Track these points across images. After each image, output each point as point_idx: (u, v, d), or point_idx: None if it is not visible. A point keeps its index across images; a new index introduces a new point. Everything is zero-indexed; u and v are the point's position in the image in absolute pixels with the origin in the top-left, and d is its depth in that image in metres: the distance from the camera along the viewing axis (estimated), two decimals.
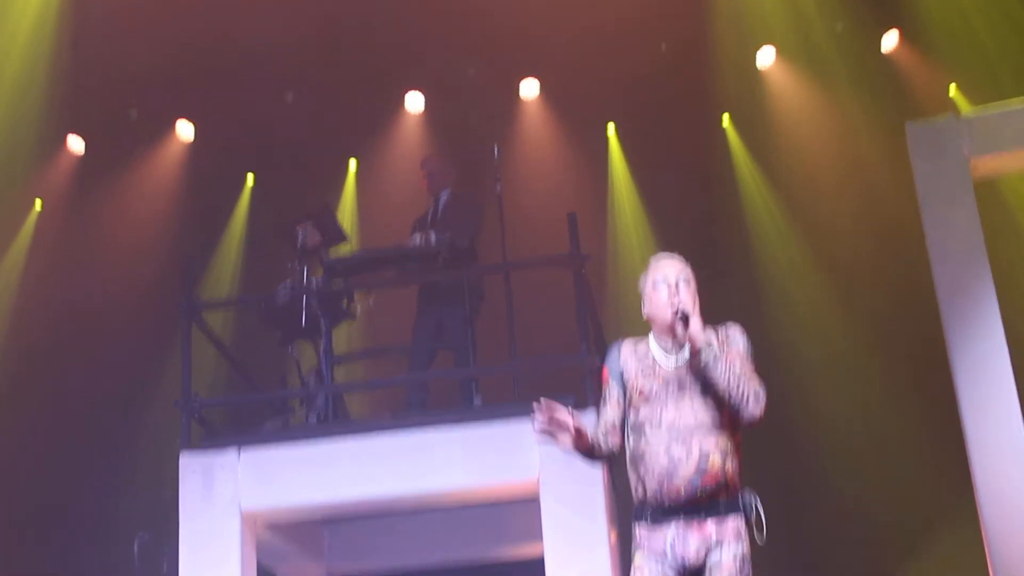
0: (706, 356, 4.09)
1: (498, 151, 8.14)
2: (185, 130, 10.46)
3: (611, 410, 4.32)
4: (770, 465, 8.88)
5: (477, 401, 7.82)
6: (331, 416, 7.84)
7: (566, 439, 4.20)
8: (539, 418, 4.18)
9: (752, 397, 4.02)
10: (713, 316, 9.27)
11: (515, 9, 9.23)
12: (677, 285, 4.28)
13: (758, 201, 10.19)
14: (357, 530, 8.64)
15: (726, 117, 10.39)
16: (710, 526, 4.06)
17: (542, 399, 4.22)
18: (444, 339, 8.34)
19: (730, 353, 4.13)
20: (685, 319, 4.12)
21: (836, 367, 9.49)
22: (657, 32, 9.56)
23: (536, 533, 7.16)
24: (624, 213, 10.33)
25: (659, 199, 10.16)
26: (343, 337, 8.82)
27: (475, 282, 8.21)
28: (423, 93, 10.37)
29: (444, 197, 8.67)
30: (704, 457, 4.05)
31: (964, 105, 9.44)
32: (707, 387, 4.12)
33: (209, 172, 10.41)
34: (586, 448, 4.28)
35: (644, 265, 9.47)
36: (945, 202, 8.47)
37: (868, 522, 8.86)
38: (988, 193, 8.93)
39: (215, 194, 10.61)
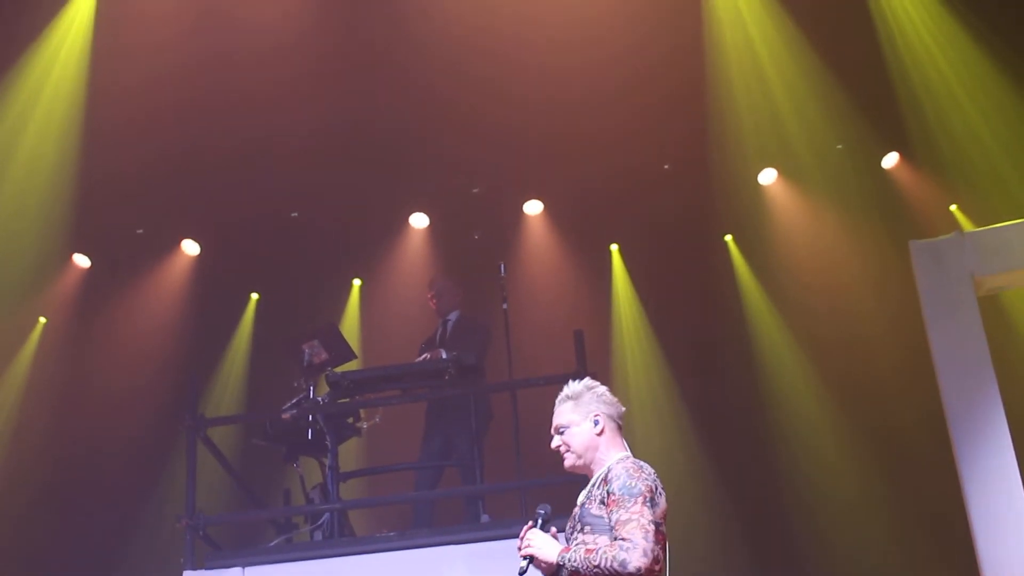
0: (568, 566, 4.32)
1: (504, 270, 8.69)
2: (190, 248, 11.09)
3: None
4: None
5: (484, 518, 8.21)
6: (336, 533, 8.23)
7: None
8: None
9: (617, 567, 4.18)
10: (714, 431, 9.70)
11: (519, 130, 9.94)
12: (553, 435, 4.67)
13: (761, 318, 10.71)
14: None
15: (729, 236, 11.00)
16: None
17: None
18: (452, 456, 8.81)
19: (592, 537, 4.31)
20: (530, 559, 4.40)
21: (839, 483, 9.96)
22: (660, 152, 10.27)
23: None
24: (628, 330, 10.83)
25: (662, 315, 10.73)
26: (348, 454, 9.27)
27: (483, 400, 8.71)
28: (427, 213, 11.02)
29: (453, 318, 9.23)
30: None
31: (965, 223, 9.95)
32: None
33: (214, 289, 11.00)
34: None
35: (648, 381, 9.87)
36: (950, 318, 8.96)
37: None
38: (992, 308, 9.41)
39: (220, 311, 11.17)
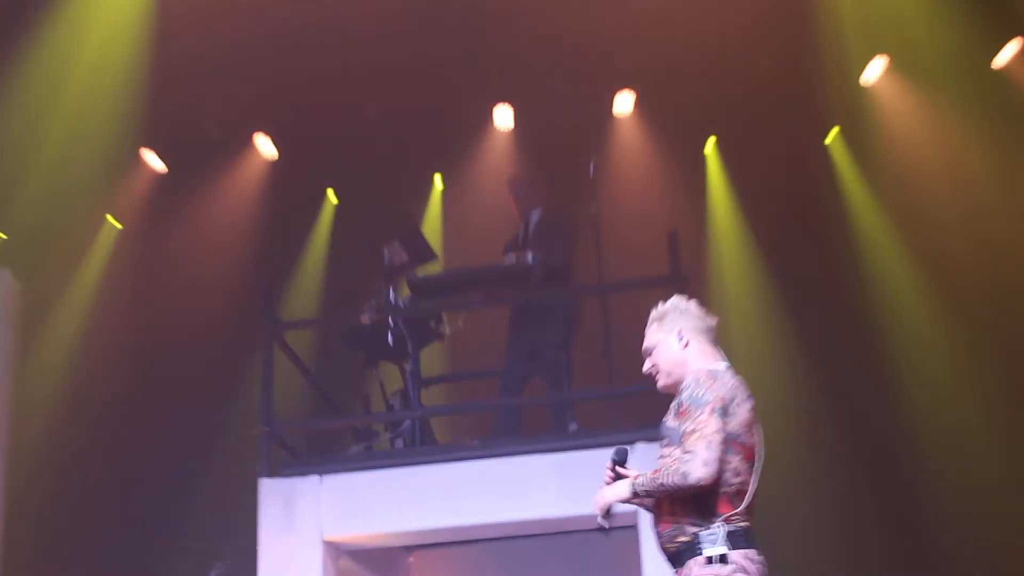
0: (641, 493, 4.40)
1: (594, 168, 8.51)
2: (265, 145, 10.96)
3: None
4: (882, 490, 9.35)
5: (572, 426, 8.12)
6: (417, 441, 8.20)
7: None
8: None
9: (679, 480, 4.22)
10: (815, 341, 9.71)
11: (608, 20, 9.62)
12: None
13: (866, 220, 10.42)
14: (444, 560, 8.92)
15: (832, 132, 10.68)
16: None
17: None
18: (537, 363, 8.67)
19: (664, 461, 4.36)
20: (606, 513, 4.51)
21: (951, 391, 9.68)
22: (759, 44, 9.86)
23: (635, 565, 7.39)
24: (725, 234, 10.65)
25: (761, 217, 10.48)
26: (430, 360, 9.14)
27: (571, 304, 8.58)
28: (512, 107, 10.77)
29: (535, 217, 9.00)
30: (655, 517, 4.48)
31: None
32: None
33: (289, 188, 10.88)
34: None
35: (746, 288, 9.77)
36: None
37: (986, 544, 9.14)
38: None
39: (296, 211, 11.08)
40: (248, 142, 10.89)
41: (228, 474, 9.60)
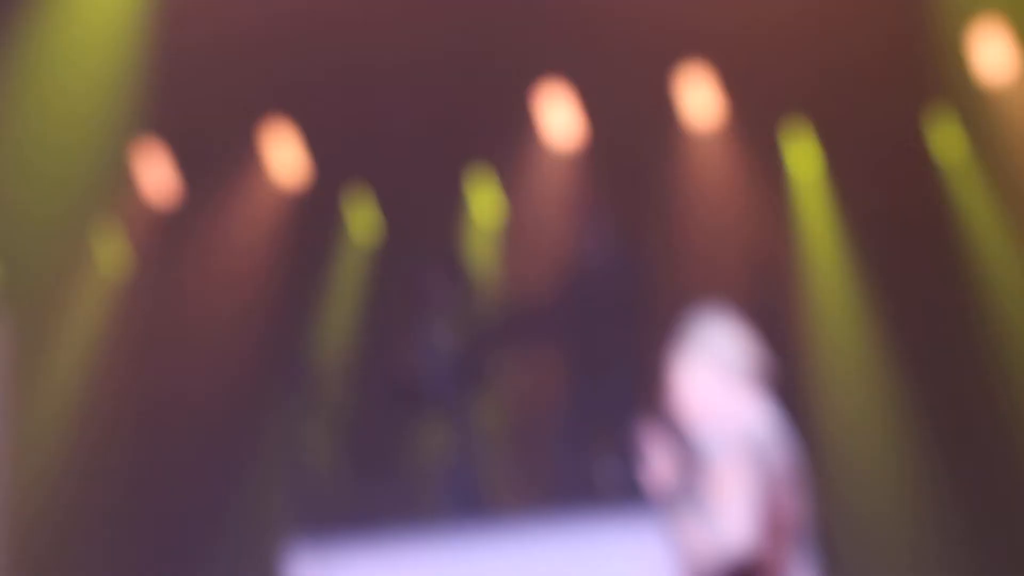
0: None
1: None
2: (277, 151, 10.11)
3: None
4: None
5: None
6: (473, 505, 8.13)
7: None
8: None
9: (709, 555, 3.90)
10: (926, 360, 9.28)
11: None
12: None
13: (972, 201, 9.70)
14: None
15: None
16: None
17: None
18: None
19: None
20: None
21: None
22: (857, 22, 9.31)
23: None
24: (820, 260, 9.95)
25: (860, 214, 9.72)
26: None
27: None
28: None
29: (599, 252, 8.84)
30: None
31: None
32: None
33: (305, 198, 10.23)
34: None
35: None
36: None
37: None
38: None
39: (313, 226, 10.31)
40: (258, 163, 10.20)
41: (249, 534, 9.24)
